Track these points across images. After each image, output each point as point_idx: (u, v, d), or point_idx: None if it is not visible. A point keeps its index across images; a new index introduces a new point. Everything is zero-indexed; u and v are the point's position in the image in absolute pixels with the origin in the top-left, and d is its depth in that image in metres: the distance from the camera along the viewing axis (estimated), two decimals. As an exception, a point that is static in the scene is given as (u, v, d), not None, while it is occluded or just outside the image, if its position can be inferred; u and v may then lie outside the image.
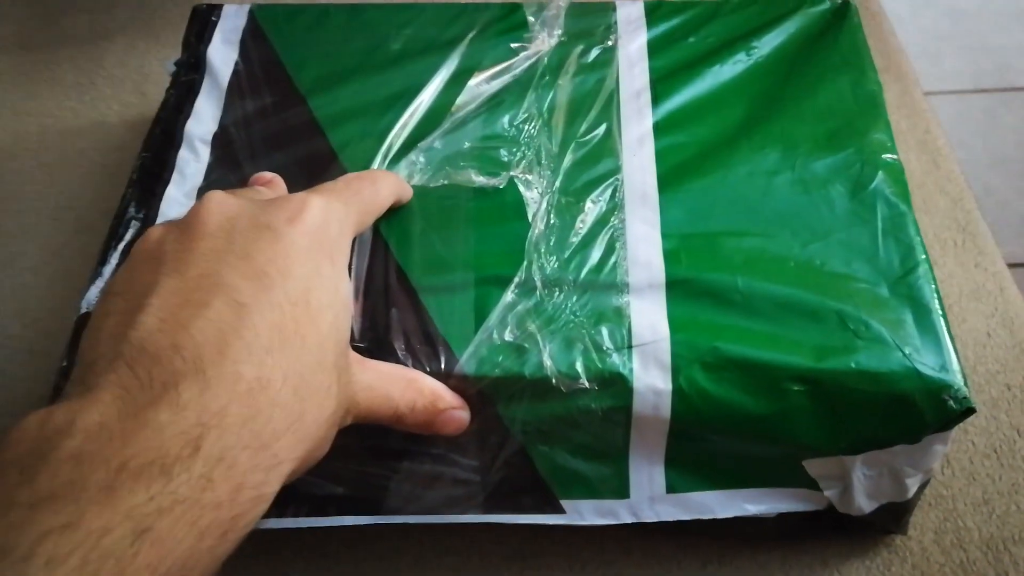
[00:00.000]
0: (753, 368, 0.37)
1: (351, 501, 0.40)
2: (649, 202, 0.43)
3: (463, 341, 0.38)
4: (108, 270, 0.41)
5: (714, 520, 0.40)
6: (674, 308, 0.39)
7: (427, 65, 0.49)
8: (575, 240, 0.41)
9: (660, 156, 0.45)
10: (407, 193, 0.43)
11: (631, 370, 0.37)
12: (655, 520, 0.40)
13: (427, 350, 0.37)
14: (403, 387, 0.35)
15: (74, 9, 0.69)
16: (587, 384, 0.37)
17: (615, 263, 0.40)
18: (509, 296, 0.39)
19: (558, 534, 0.42)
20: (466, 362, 0.37)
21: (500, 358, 0.37)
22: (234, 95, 0.48)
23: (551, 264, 0.40)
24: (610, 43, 0.50)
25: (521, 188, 0.43)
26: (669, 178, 0.44)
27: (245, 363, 0.28)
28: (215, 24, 0.51)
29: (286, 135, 0.46)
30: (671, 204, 0.43)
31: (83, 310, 0.40)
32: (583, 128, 0.46)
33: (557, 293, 0.39)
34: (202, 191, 0.44)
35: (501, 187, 0.44)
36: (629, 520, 0.40)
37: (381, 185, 0.41)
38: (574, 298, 0.39)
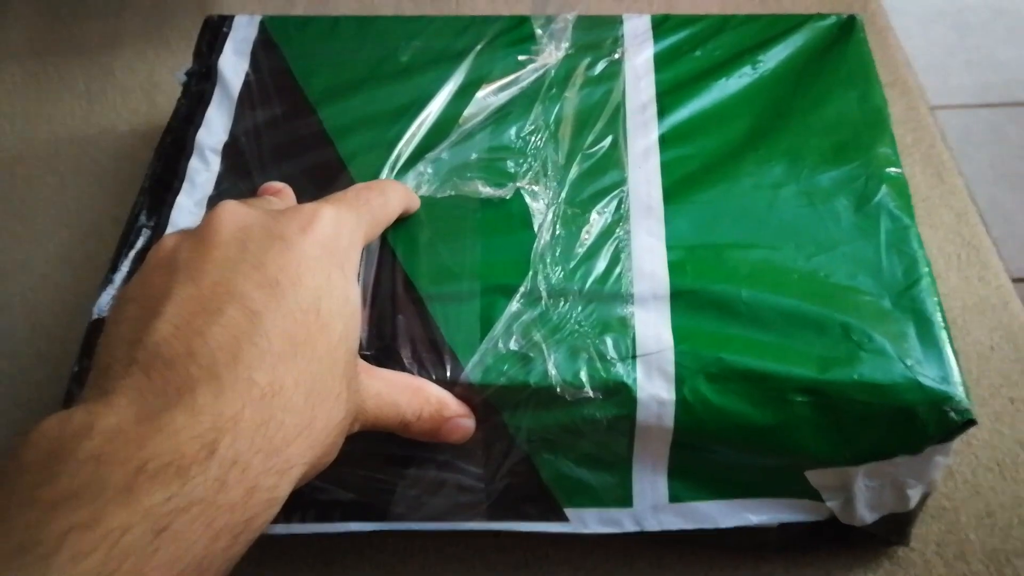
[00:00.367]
0: (757, 379, 0.37)
1: (357, 507, 0.40)
2: (654, 214, 0.43)
3: (469, 350, 0.38)
4: (119, 277, 0.42)
5: (717, 530, 0.40)
6: (678, 319, 0.39)
7: (435, 77, 0.49)
8: (580, 251, 0.41)
9: (666, 168, 0.45)
10: (415, 203, 0.43)
11: (635, 380, 0.37)
12: (658, 529, 0.40)
13: (433, 358, 0.38)
14: (410, 395, 0.36)
15: (85, 17, 0.70)
16: (591, 393, 0.37)
17: (620, 274, 0.41)
18: (515, 306, 0.39)
19: (562, 543, 0.42)
20: (472, 371, 0.37)
21: (505, 367, 0.38)
22: (245, 105, 0.49)
23: (557, 274, 0.40)
24: (617, 56, 0.50)
25: (527, 199, 0.44)
26: (674, 190, 0.44)
27: (258, 370, 0.28)
28: (227, 35, 0.52)
29: (296, 145, 0.47)
30: (676, 216, 0.43)
31: (95, 316, 0.40)
32: (589, 140, 0.46)
33: (562, 303, 0.40)
34: (212, 200, 0.44)
35: (508, 198, 0.44)
36: (632, 529, 0.40)
37: (390, 195, 0.41)
38: (579, 308, 0.39)
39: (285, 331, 0.30)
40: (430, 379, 0.37)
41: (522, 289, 0.40)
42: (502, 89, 0.49)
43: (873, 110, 0.48)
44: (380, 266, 0.41)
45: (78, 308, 0.52)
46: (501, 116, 0.47)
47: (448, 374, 0.37)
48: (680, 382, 0.37)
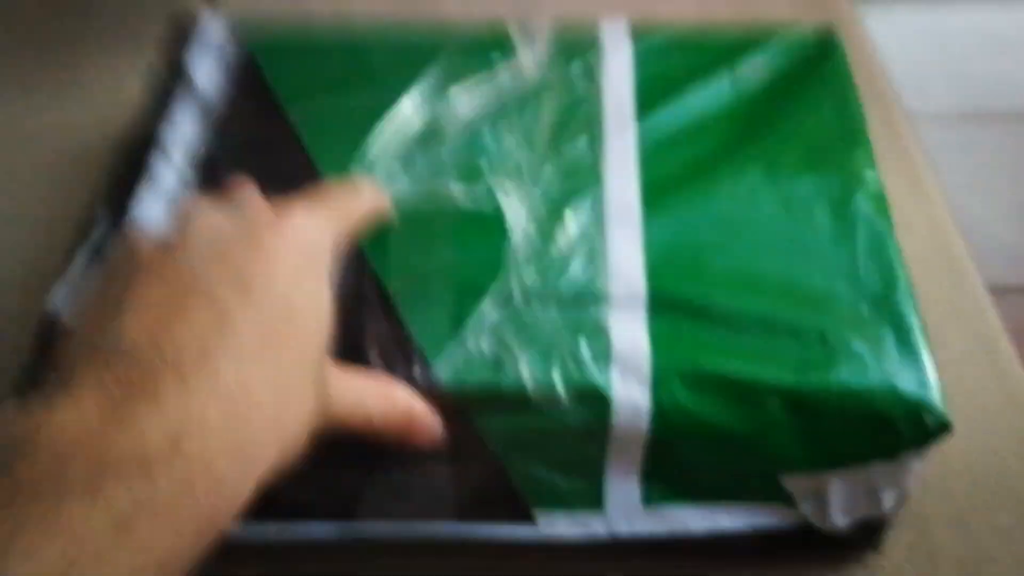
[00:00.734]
0: (733, 383, 0.37)
1: (320, 508, 0.40)
2: (631, 217, 0.43)
3: (439, 350, 0.38)
4: (75, 270, 0.41)
5: (689, 536, 0.40)
6: (655, 323, 0.39)
7: (408, 77, 0.49)
8: (555, 253, 0.41)
9: (643, 172, 0.45)
10: (385, 204, 0.43)
11: (610, 384, 0.37)
12: (630, 534, 0.40)
13: (402, 359, 0.37)
14: (377, 397, 0.36)
15: (50, 16, 0.69)
16: (565, 397, 0.37)
17: (596, 277, 0.40)
18: (487, 307, 0.39)
19: (532, 554, 0.42)
20: (441, 372, 0.37)
21: (476, 369, 0.37)
22: (212, 103, 0.48)
23: (531, 276, 0.40)
24: (594, 61, 0.50)
25: (502, 200, 0.43)
26: (652, 194, 0.44)
27: (226, 368, 0.28)
28: (194, 32, 0.52)
29: (264, 144, 0.46)
30: (654, 219, 0.43)
31: (48, 309, 0.39)
32: (565, 142, 0.46)
33: (536, 305, 0.39)
34: (176, 198, 0.44)
35: (481, 199, 0.44)
36: (603, 533, 0.40)
37: (361, 195, 0.41)
38: (553, 310, 0.39)
39: (254, 330, 0.30)
40: (399, 380, 0.37)
41: (495, 290, 0.40)
42: (477, 92, 0.48)
43: (851, 118, 0.48)
44: (349, 265, 0.40)
45: (34, 307, 0.51)
46: (475, 118, 0.47)
47: (417, 375, 0.37)
48: (656, 386, 0.37)
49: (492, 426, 0.38)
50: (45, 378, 0.30)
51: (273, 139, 0.47)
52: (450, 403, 0.37)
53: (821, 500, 0.39)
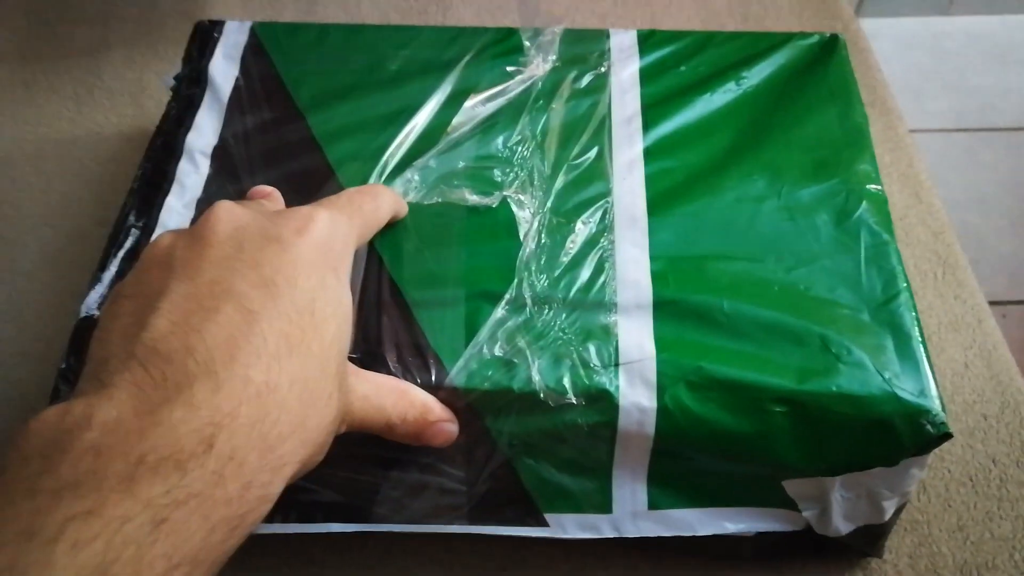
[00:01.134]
0: (736, 388, 0.38)
1: (338, 508, 0.40)
2: (638, 225, 0.44)
3: (453, 355, 0.38)
4: (108, 276, 0.42)
5: (694, 538, 0.41)
6: (661, 328, 0.40)
7: (424, 85, 0.50)
8: (565, 260, 0.42)
9: (650, 180, 0.45)
10: (403, 209, 0.44)
11: (617, 387, 0.38)
12: (636, 535, 0.40)
13: (418, 363, 0.38)
14: (396, 398, 0.36)
15: (73, 22, 0.70)
16: (574, 400, 0.38)
17: (604, 283, 0.41)
18: (500, 312, 0.40)
19: (539, 547, 0.42)
20: (456, 375, 0.38)
21: (489, 372, 0.38)
22: (234, 109, 0.49)
23: (541, 282, 0.41)
24: (603, 69, 0.51)
25: (513, 208, 0.44)
26: (658, 202, 0.45)
27: (254, 367, 0.29)
28: (217, 40, 0.52)
29: (284, 150, 0.47)
30: (660, 227, 0.43)
31: (83, 314, 0.40)
32: (575, 151, 0.47)
33: (546, 310, 0.40)
34: (201, 202, 0.45)
35: (494, 206, 0.44)
36: (611, 535, 0.40)
37: (381, 201, 0.42)
38: (563, 316, 0.40)
39: (280, 331, 0.30)
40: (415, 383, 0.37)
41: (507, 296, 0.40)
42: (490, 99, 0.49)
43: (854, 128, 0.48)
44: (367, 271, 0.41)
45: (63, 308, 0.52)
46: (488, 126, 0.48)
47: (433, 378, 0.38)
48: (661, 390, 0.38)
49: (504, 428, 0.38)
50: (83, 376, 0.30)
51: (292, 144, 0.47)
52: (464, 405, 0.38)
53: (823, 505, 0.40)
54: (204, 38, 0.53)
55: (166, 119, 0.49)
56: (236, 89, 0.50)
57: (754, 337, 0.39)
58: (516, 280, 0.41)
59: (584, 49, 0.52)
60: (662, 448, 0.39)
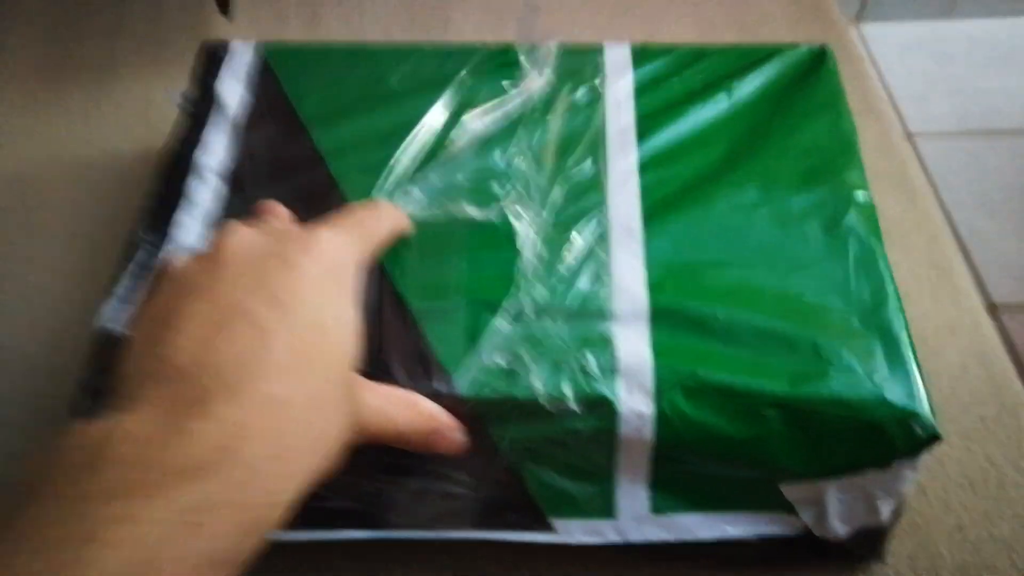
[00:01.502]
0: (731, 393, 0.38)
1: (347, 515, 0.41)
2: (634, 235, 0.44)
3: (457, 364, 0.39)
4: (122, 290, 0.43)
5: (697, 542, 0.41)
6: (657, 335, 0.40)
7: (424, 101, 0.51)
8: (563, 269, 0.43)
9: (645, 191, 0.46)
10: (406, 225, 0.44)
11: (616, 394, 0.38)
12: (641, 540, 0.41)
13: (423, 372, 0.39)
14: (404, 409, 0.37)
15: (84, 40, 0.71)
16: (574, 406, 0.38)
17: (601, 292, 0.42)
18: (500, 321, 0.41)
19: (547, 553, 0.42)
20: (460, 384, 0.39)
21: (492, 380, 0.39)
22: (241, 127, 0.50)
23: (540, 292, 0.42)
24: (598, 83, 0.52)
25: (512, 220, 0.45)
26: (653, 212, 0.45)
27: (267, 382, 0.30)
28: (223, 59, 0.53)
29: (290, 166, 0.48)
30: (655, 237, 0.44)
31: (100, 325, 0.41)
32: (571, 163, 0.48)
33: (546, 319, 0.41)
34: (210, 218, 0.46)
35: (493, 218, 0.45)
36: (616, 539, 0.41)
37: (384, 217, 0.43)
38: (562, 324, 0.41)
39: (291, 346, 0.32)
40: (420, 392, 0.38)
41: (507, 306, 0.41)
42: (488, 114, 0.50)
43: (843, 137, 0.49)
44: (372, 284, 0.42)
45: (76, 320, 0.52)
46: (487, 140, 0.49)
47: (437, 387, 0.39)
48: (659, 396, 0.38)
49: (507, 435, 0.39)
50: (107, 391, 0.32)
51: (298, 160, 0.48)
52: (468, 413, 0.39)
53: (820, 508, 0.40)
54: (211, 57, 0.54)
55: (175, 137, 0.50)
56: (243, 107, 0.51)
57: (748, 343, 0.40)
58: (516, 290, 0.42)
59: (579, 64, 0.53)
60: (662, 453, 0.39)
